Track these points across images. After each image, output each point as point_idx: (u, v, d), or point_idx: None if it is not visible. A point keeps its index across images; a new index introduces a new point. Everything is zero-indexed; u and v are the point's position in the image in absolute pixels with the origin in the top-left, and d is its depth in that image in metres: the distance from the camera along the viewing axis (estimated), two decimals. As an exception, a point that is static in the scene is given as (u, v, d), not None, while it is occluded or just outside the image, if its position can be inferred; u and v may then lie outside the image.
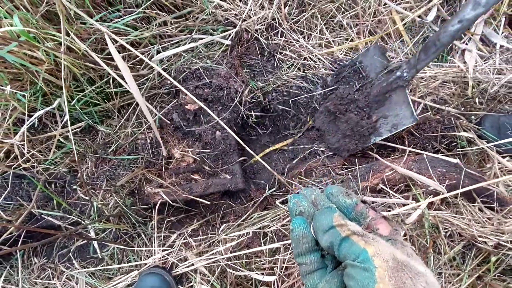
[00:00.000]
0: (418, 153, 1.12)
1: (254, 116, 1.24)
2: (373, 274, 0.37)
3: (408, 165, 1.07)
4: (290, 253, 1.07)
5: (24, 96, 0.95)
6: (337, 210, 0.46)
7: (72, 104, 1.02)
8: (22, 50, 0.87)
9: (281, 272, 1.05)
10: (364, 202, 0.50)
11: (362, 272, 0.38)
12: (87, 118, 1.09)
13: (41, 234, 1.24)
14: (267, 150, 1.34)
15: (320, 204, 0.49)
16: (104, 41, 1.03)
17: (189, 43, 1.14)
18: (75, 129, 1.06)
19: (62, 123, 1.04)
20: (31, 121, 0.92)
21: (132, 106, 1.15)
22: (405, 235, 0.98)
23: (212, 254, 1.10)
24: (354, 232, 0.41)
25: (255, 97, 1.21)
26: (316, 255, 0.46)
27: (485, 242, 1.03)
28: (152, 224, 1.20)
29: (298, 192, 0.53)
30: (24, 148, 1.03)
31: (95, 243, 1.22)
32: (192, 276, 1.12)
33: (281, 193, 1.26)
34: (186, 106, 1.19)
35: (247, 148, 1.06)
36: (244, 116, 1.22)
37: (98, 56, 0.94)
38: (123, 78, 0.95)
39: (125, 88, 0.99)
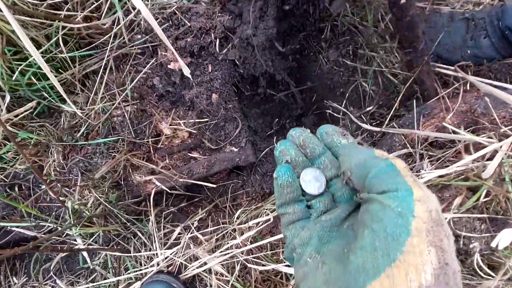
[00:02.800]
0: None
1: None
2: (409, 223, 0.29)
3: (470, 104, 0.80)
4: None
5: None
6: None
7: (13, 78, 0.75)
8: None
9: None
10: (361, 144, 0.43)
11: (394, 217, 0.30)
12: (37, 97, 0.83)
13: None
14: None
15: (310, 147, 0.44)
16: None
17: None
18: (24, 111, 0.79)
19: (5, 104, 0.77)
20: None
21: (99, 74, 0.88)
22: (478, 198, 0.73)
23: (228, 248, 0.86)
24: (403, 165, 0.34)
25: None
26: (301, 204, 0.42)
27: None
28: (149, 219, 0.96)
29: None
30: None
31: (85, 254, 0.99)
32: (207, 277, 0.89)
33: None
34: (168, 66, 0.92)
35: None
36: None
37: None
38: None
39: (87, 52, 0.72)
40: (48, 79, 0.84)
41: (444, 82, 0.91)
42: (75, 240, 0.97)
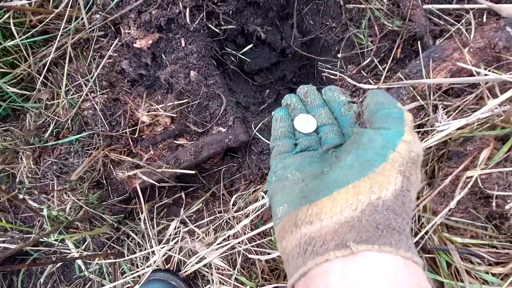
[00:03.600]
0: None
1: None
2: (388, 153, 0.34)
3: (489, 38, 0.67)
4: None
5: None
6: None
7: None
8: None
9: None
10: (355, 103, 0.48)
11: (378, 147, 0.35)
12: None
13: (9, 264, 0.95)
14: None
15: (311, 97, 0.50)
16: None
17: None
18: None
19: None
20: None
21: (60, 64, 0.78)
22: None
23: (225, 239, 0.77)
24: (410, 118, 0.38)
25: None
26: (291, 141, 0.47)
27: None
28: (140, 217, 0.88)
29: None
30: None
31: (80, 263, 0.92)
32: (208, 272, 0.81)
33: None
34: (135, 45, 0.81)
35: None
36: (220, 34, 0.84)
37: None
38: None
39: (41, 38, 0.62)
40: (3, 76, 0.76)
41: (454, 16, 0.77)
42: (68, 249, 0.91)
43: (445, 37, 0.72)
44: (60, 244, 0.89)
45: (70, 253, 0.91)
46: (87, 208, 0.78)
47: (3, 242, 0.87)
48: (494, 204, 0.51)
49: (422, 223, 0.59)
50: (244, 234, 0.76)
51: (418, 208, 0.59)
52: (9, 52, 0.74)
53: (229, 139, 0.86)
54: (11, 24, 0.70)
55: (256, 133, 0.86)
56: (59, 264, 0.94)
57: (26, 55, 0.75)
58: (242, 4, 0.86)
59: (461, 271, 0.51)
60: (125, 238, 0.91)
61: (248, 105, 0.99)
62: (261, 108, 1.03)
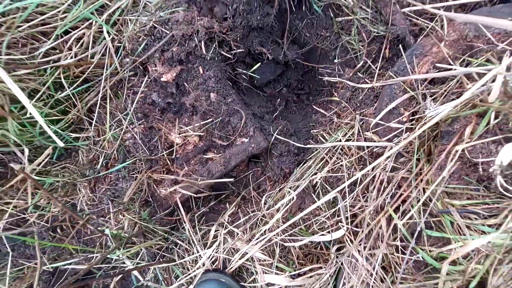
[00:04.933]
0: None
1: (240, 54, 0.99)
2: None
3: (460, 31, 0.79)
4: (352, 198, 0.84)
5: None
6: None
7: (33, 132, 0.81)
8: None
9: (348, 222, 0.83)
10: None
11: None
12: (52, 142, 0.88)
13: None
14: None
15: None
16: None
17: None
18: (44, 159, 0.84)
19: (26, 157, 0.83)
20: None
21: (98, 104, 0.92)
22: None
23: (262, 234, 0.89)
24: None
25: (235, 26, 0.95)
26: None
27: None
28: (184, 226, 1.01)
29: None
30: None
31: (136, 273, 1.05)
32: (251, 265, 0.93)
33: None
34: (161, 79, 0.95)
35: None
36: (231, 58, 0.97)
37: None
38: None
39: (82, 85, 0.76)
40: (57, 123, 0.90)
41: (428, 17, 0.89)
42: (124, 263, 1.04)
43: (423, 35, 0.84)
44: (118, 259, 1.03)
45: (127, 267, 1.04)
46: (141, 223, 0.92)
47: (70, 264, 1.00)
48: (480, 169, 0.63)
49: (428, 195, 0.71)
50: (278, 227, 0.89)
51: (423, 182, 0.71)
52: (60, 101, 0.88)
53: (252, 147, 0.99)
54: (62, 78, 0.84)
55: (277, 136, 0.98)
56: (119, 277, 1.07)
57: (74, 101, 0.89)
58: (247, 30, 0.99)
59: (462, 227, 0.63)
60: (174, 246, 1.04)
61: (263, 115, 1.11)
62: (274, 115, 1.16)
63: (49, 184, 0.92)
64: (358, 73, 0.95)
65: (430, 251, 0.65)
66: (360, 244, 0.76)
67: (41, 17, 0.82)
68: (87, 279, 1.09)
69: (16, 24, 0.76)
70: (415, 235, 0.66)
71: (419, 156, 0.75)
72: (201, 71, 0.98)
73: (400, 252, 0.72)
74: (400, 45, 0.86)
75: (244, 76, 1.09)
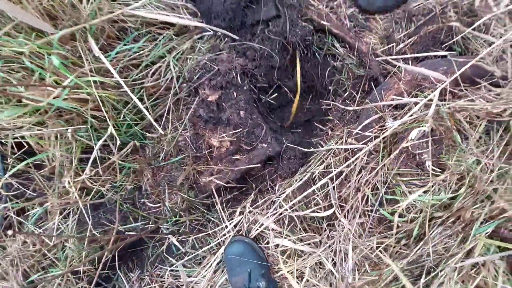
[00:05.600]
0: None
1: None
2: None
3: (413, 74, 1.20)
4: (339, 183, 1.21)
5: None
6: None
7: (121, 130, 1.20)
8: (70, 96, 1.04)
9: (336, 202, 1.19)
10: None
11: None
12: (130, 139, 1.26)
13: (129, 253, 1.43)
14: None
15: None
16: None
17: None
18: (127, 149, 1.22)
19: (116, 149, 1.21)
20: (96, 150, 1.08)
21: (164, 116, 1.32)
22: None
23: (275, 208, 1.26)
24: None
25: (261, 65, 1.36)
26: None
27: (500, 115, 1.16)
28: (216, 208, 1.37)
29: None
30: (94, 182, 1.21)
31: (175, 241, 1.39)
32: (266, 234, 1.28)
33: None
34: (208, 99, 1.35)
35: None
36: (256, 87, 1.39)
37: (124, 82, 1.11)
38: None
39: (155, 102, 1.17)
40: (137, 125, 1.29)
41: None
42: (168, 237, 1.38)
43: (389, 76, 1.25)
44: (165, 233, 1.37)
45: (169, 239, 1.39)
46: (188, 201, 1.28)
47: (134, 229, 1.35)
48: (417, 158, 1.01)
49: (387, 177, 1.08)
50: (287, 204, 1.25)
51: (385, 168, 1.09)
52: (140, 111, 1.28)
53: (269, 150, 1.37)
54: (144, 95, 1.24)
55: (287, 144, 1.37)
56: (164, 247, 1.42)
57: (149, 112, 1.28)
58: (269, 68, 1.40)
59: (406, 193, 1.00)
60: (207, 222, 1.39)
61: (277, 129, 1.51)
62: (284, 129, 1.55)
63: (127, 168, 1.29)
64: (346, 100, 1.36)
65: (387, 209, 1.01)
66: (345, 212, 1.13)
67: (134, 55, 1.23)
68: (140, 249, 1.44)
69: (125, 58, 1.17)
70: (378, 200, 1.03)
71: (383, 153, 1.13)
72: (235, 95, 1.39)
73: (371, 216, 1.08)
74: (374, 83, 1.27)
75: (263, 99, 1.50)
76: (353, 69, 1.34)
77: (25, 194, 1.28)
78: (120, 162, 1.25)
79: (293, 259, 1.23)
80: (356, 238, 1.07)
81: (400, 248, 1.02)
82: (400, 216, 0.98)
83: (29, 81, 0.98)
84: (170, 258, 1.39)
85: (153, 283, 1.39)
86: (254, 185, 1.47)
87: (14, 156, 1.18)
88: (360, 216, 1.07)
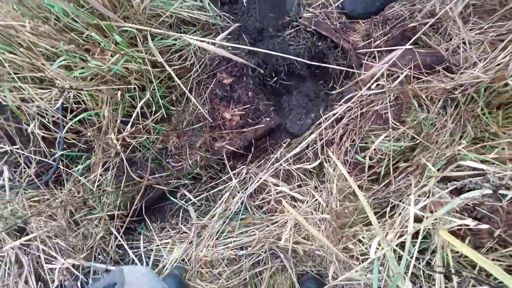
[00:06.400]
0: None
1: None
2: None
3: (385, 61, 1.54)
4: (322, 142, 1.52)
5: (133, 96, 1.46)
6: None
7: (154, 100, 1.53)
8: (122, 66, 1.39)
9: (322, 156, 1.50)
10: None
11: None
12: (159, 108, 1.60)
13: (152, 209, 1.73)
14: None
15: None
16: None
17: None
18: (157, 116, 1.55)
19: (152, 115, 1.54)
20: (139, 107, 1.41)
21: (187, 92, 1.66)
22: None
23: (272, 163, 1.56)
24: None
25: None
26: None
27: (453, 92, 1.48)
28: (227, 170, 1.68)
29: None
30: (130, 138, 1.54)
31: (191, 197, 1.69)
32: (266, 185, 1.58)
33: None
34: (223, 81, 1.69)
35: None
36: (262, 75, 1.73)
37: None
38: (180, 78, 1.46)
39: (182, 80, 1.51)
40: (165, 98, 1.63)
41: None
42: (185, 194, 1.68)
43: (364, 63, 1.59)
44: (183, 195, 1.67)
45: (187, 196, 1.69)
46: (205, 158, 1.59)
47: (152, 191, 1.65)
48: (384, 117, 1.33)
49: (362, 133, 1.40)
50: (282, 158, 1.55)
51: (363, 129, 1.41)
52: (170, 87, 1.62)
53: (271, 123, 1.69)
54: (173, 75, 1.58)
55: (287, 122, 1.69)
56: (183, 202, 1.71)
57: (176, 88, 1.62)
58: (276, 68, 1.75)
59: (376, 142, 1.31)
60: (220, 182, 1.69)
61: (276, 107, 1.83)
62: (283, 107, 1.88)
63: (158, 130, 1.62)
64: (335, 86, 1.69)
65: (361, 156, 1.32)
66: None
67: (167, 43, 1.59)
68: (163, 205, 1.74)
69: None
70: (355, 148, 1.34)
71: (360, 119, 1.45)
72: (245, 80, 1.73)
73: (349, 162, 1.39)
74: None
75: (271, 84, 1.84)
76: (338, 61, 1.69)
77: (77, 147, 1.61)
78: (153, 125, 1.58)
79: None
80: (338, 181, 1.37)
81: (371, 187, 1.32)
82: (370, 159, 1.29)
83: (95, 50, 1.32)
84: (186, 207, 1.68)
85: (171, 231, 1.68)
86: (258, 153, 1.78)
87: (73, 114, 1.51)
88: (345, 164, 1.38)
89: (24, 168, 1.70)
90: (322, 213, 1.29)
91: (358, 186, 1.31)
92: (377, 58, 1.58)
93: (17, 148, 1.67)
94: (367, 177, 1.32)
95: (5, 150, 1.69)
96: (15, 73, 1.40)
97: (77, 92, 1.41)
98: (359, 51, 1.66)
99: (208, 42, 1.20)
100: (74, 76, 1.32)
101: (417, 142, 1.30)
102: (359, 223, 1.24)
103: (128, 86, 1.46)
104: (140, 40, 1.41)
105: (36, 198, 1.65)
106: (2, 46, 1.39)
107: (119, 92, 1.41)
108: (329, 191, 1.38)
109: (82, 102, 1.48)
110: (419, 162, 1.31)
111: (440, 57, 1.54)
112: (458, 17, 1.61)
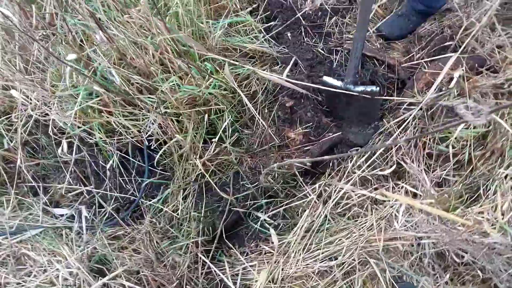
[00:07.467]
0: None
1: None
2: None
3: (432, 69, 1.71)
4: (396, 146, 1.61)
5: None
6: None
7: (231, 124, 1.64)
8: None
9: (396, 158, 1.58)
10: None
11: None
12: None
13: (229, 232, 1.73)
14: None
15: None
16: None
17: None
18: (233, 139, 1.64)
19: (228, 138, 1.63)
20: (222, 128, 1.50)
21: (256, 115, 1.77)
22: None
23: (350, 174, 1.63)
24: None
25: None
26: None
27: (501, 86, 1.63)
28: (299, 184, 1.73)
29: None
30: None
31: (266, 218, 1.71)
32: (345, 193, 1.63)
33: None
34: (286, 104, 1.82)
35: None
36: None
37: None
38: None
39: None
40: (237, 122, 1.73)
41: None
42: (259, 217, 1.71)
43: (416, 73, 1.76)
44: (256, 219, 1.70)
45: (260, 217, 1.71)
46: (281, 174, 1.65)
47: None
48: (454, 110, 1.45)
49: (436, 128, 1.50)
50: (354, 166, 1.62)
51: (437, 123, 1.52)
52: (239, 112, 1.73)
53: (334, 139, 1.79)
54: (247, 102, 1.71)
55: (349, 134, 1.80)
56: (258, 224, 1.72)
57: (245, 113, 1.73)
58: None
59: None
60: (293, 197, 1.73)
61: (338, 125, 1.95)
62: (342, 125, 1.99)
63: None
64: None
65: (443, 146, 1.41)
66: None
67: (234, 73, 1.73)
68: (238, 230, 1.75)
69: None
70: (436, 140, 1.43)
71: (428, 117, 1.56)
72: (303, 102, 1.86)
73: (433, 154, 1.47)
74: (402, 84, 1.77)
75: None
76: (387, 75, 1.86)
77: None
78: (231, 147, 1.66)
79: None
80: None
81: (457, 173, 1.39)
82: (453, 147, 1.38)
83: (186, 78, 1.45)
84: (263, 229, 1.69)
85: (252, 254, 1.67)
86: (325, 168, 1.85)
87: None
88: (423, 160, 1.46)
89: (99, 208, 1.73)
90: (422, 202, 1.34)
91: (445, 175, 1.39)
92: (426, 67, 1.75)
93: (91, 188, 1.71)
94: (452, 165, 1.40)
95: (81, 191, 1.73)
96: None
97: (164, 119, 1.51)
98: (404, 65, 1.84)
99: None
100: (175, 99, 1.42)
101: (489, 128, 1.41)
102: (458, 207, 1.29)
103: (209, 110, 1.56)
104: (215, 69, 1.56)
105: (115, 235, 1.65)
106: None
107: (206, 115, 1.51)
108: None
109: (162, 133, 1.56)
110: (495, 147, 1.40)
111: (482, 59, 1.72)
112: (487, 26, 1.83)
